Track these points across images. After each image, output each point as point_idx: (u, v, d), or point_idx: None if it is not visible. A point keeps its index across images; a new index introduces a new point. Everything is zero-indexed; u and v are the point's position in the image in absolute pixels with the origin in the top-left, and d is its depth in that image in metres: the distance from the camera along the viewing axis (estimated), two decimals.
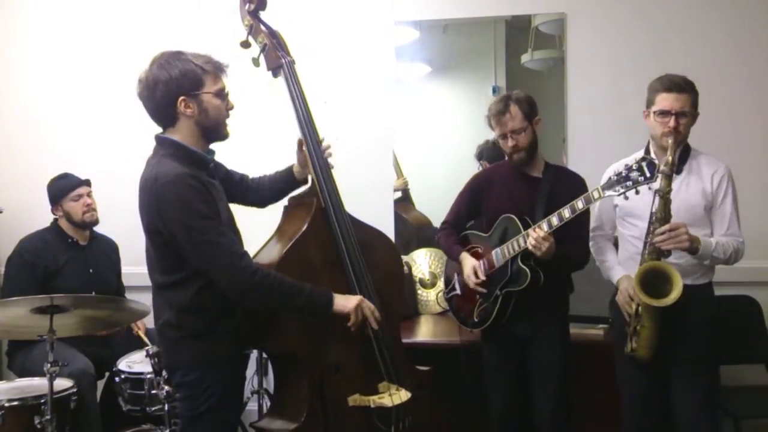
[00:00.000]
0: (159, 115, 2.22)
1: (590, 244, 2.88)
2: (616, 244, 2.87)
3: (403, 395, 2.41)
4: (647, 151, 2.70)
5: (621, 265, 2.76)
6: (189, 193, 2.09)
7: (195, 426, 2.23)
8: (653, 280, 2.49)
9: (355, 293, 2.40)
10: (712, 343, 2.64)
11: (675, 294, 2.43)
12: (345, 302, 2.30)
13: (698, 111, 2.64)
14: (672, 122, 2.55)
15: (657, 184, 2.47)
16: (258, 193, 2.62)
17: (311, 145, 2.50)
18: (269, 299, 2.21)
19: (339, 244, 2.43)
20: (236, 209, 2.45)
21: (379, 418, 2.39)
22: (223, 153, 2.41)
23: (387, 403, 2.37)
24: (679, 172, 2.62)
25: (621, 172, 2.44)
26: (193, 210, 2.09)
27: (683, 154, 2.65)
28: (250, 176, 2.65)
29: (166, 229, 2.12)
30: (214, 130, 2.24)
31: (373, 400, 2.38)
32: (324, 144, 2.55)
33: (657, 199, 2.49)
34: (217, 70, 2.22)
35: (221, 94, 2.23)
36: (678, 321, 2.55)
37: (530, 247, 2.60)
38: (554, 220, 2.59)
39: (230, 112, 2.29)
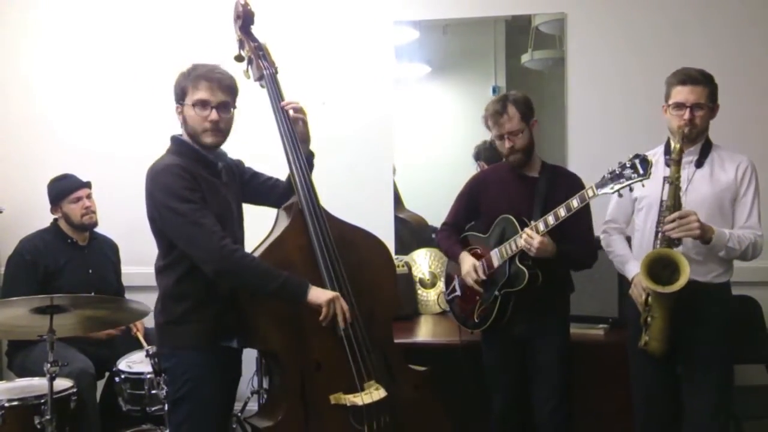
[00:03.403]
0: None
1: (602, 237, 2.87)
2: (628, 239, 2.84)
3: (375, 394, 2.41)
4: (667, 145, 2.66)
5: (635, 258, 2.70)
6: (174, 180, 2.26)
7: (177, 410, 2.36)
8: (661, 269, 2.45)
9: None
10: (727, 344, 2.60)
11: (682, 281, 2.37)
12: (319, 294, 2.33)
13: (717, 104, 2.62)
14: (687, 114, 2.54)
15: (667, 172, 2.47)
16: (278, 193, 2.68)
17: (290, 152, 2.54)
18: (246, 279, 2.30)
19: (313, 244, 2.45)
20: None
21: (354, 417, 2.40)
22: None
23: (358, 402, 2.38)
24: (700, 165, 2.62)
25: (615, 170, 2.43)
26: (176, 194, 2.25)
27: (704, 148, 2.64)
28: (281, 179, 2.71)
29: (157, 214, 2.29)
30: (194, 139, 2.38)
31: (349, 399, 2.39)
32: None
33: (666, 186, 2.48)
34: (198, 79, 2.32)
35: (199, 104, 2.33)
36: (692, 320, 2.53)
37: (523, 247, 2.62)
38: (550, 219, 2.60)
39: (210, 124, 2.34)
